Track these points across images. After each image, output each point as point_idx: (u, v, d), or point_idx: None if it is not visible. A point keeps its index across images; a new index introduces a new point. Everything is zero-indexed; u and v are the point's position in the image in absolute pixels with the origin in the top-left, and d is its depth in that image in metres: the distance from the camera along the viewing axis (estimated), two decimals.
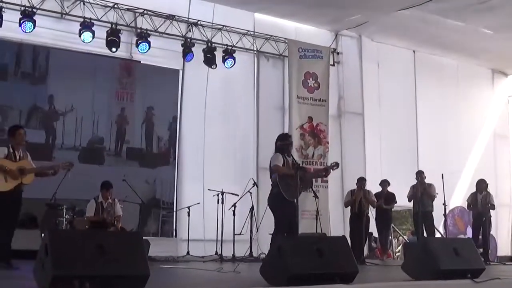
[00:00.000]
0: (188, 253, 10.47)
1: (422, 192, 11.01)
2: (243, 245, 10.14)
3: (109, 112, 11.32)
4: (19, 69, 10.57)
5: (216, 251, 10.20)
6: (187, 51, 11.56)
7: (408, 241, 13.70)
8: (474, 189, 11.48)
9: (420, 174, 11.20)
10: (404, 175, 12.23)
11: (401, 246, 14.56)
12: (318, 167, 11.54)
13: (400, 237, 14.81)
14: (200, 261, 9.32)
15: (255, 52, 12.76)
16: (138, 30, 11.21)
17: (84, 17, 10.54)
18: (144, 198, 10.33)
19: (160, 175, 11.57)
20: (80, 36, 10.50)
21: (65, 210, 9.23)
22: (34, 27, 10.01)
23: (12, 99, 10.39)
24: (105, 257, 3.97)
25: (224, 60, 11.95)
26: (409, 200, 11.36)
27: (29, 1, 10.12)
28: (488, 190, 11.29)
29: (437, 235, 12.10)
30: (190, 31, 11.82)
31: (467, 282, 5.24)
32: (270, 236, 7.42)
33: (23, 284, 4.97)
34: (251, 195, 10.14)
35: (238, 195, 10.20)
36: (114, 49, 10.81)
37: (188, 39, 11.66)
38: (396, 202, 11.47)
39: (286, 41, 12.78)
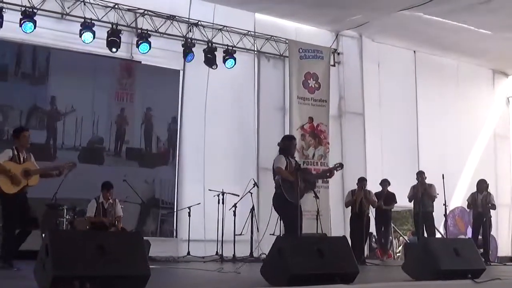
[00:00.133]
0: (188, 253, 10.48)
1: (422, 193, 11.01)
2: (243, 245, 10.14)
3: (109, 112, 11.33)
4: (20, 70, 10.56)
5: (217, 252, 10.20)
6: (187, 52, 11.56)
7: (408, 241, 13.71)
8: (474, 189, 11.48)
9: (420, 175, 11.21)
10: (404, 175, 12.24)
11: (401, 246, 14.58)
12: (323, 168, 11.56)
13: (401, 238, 14.82)
14: (200, 261, 9.32)
15: (255, 52, 12.76)
16: (139, 31, 11.21)
17: (84, 18, 10.54)
18: (143, 197, 10.40)
19: (159, 175, 11.59)
20: (80, 36, 10.49)
21: (65, 211, 9.23)
22: (34, 28, 10.01)
23: (12, 99, 10.39)
24: (106, 258, 3.97)
25: (224, 61, 11.95)
26: (410, 201, 11.36)
27: (29, 2, 10.12)
28: (488, 190, 11.29)
29: (438, 235, 12.09)
30: (190, 31, 11.82)
31: (468, 283, 5.24)
32: (271, 236, 7.43)
33: (24, 284, 4.98)
34: (251, 196, 10.14)
35: (238, 196, 10.20)
36: (114, 50, 10.81)
37: (189, 40, 11.66)
38: (396, 202, 11.47)
39: (287, 41, 12.79)
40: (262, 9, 12.36)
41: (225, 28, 12.09)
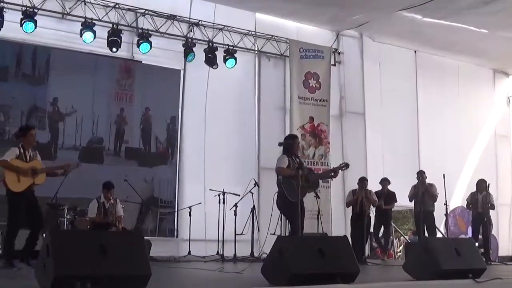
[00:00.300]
0: (189, 253, 10.47)
1: (423, 192, 11.00)
2: (244, 245, 10.14)
3: (108, 112, 11.35)
4: (20, 69, 10.57)
5: (218, 251, 10.20)
6: (188, 51, 11.57)
7: (409, 241, 13.70)
8: (475, 189, 11.47)
9: (421, 174, 11.20)
10: (405, 175, 12.24)
11: (402, 246, 14.57)
12: (323, 168, 11.55)
13: (402, 237, 14.81)
14: (201, 261, 9.33)
15: (256, 52, 12.75)
16: (139, 30, 11.22)
17: (85, 17, 10.55)
18: (142, 196, 10.39)
19: (158, 174, 11.62)
20: (81, 36, 10.50)
21: (66, 210, 9.23)
22: (35, 28, 10.01)
23: (13, 99, 10.40)
24: (107, 258, 3.97)
25: (225, 60, 11.95)
26: (410, 200, 11.35)
27: (30, 2, 10.12)
28: (488, 190, 11.26)
29: (438, 235, 12.08)
30: (191, 31, 11.82)
31: (469, 282, 5.24)
32: (271, 236, 7.42)
33: (25, 284, 4.98)
34: (252, 195, 10.13)
35: (239, 195, 10.19)
36: (115, 49, 10.81)
37: (189, 39, 11.67)
38: (396, 201, 11.44)
39: (287, 41, 12.79)
40: (263, 9, 12.37)
41: (225, 27, 12.09)
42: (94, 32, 10.51)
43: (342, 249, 4.98)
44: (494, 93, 16.01)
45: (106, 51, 10.87)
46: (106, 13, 10.91)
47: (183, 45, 11.65)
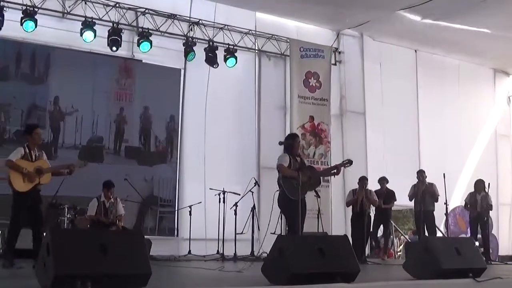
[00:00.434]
0: (189, 252, 10.47)
1: (423, 191, 11.00)
2: (244, 244, 10.14)
3: (108, 112, 11.34)
4: (20, 69, 10.57)
5: (218, 250, 10.20)
6: (188, 50, 11.56)
7: (409, 240, 13.70)
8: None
9: (421, 174, 11.19)
10: (405, 174, 12.22)
11: (402, 245, 14.57)
12: (324, 167, 11.54)
13: (402, 237, 14.81)
14: (201, 260, 9.34)
15: (256, 51, 12.75)
16: (140, 29, 11.22)
17: (85, 16, 10.54)
18: (142, 195, 10.40)
19: (158, 173, 11.62)
20: (81, 35, 10.49)
21: (66, 209, 9.24)
22: (35, 27, 10.00)
23: (13, 98, 10.39)
24: (107, 256, 3.97)
25: (225, 59, 11.95)
26: (410, 199, 11.34)
27: (30, 1, 10.12)
28: (487, 190, 11.23)
29: (439, 234, 12.09)
30: (191, 30, 11.82)
31: (469, 282, 5.25)
32: (272, 235, 7.42)
33: (25, 283, 4.98)
34: (252, 194, 10.13)
35: (239, 194, 10.19)
36: (115, 48, 10.81)
37: (190, 38, 11.66)
38: (395, 200, 11.43)
39: (288, 40, 12.79)
40: (263, 8, 12.36)
41: (226, 27, 12.08)
42: (94, 31, 10.50)
43: (342, 248, 4.99)
44: (494, 92, 16.01)
45: (106, 50, 10.86)
46: (107, 12, 10.91)
47: (184, 44, 11.65)
